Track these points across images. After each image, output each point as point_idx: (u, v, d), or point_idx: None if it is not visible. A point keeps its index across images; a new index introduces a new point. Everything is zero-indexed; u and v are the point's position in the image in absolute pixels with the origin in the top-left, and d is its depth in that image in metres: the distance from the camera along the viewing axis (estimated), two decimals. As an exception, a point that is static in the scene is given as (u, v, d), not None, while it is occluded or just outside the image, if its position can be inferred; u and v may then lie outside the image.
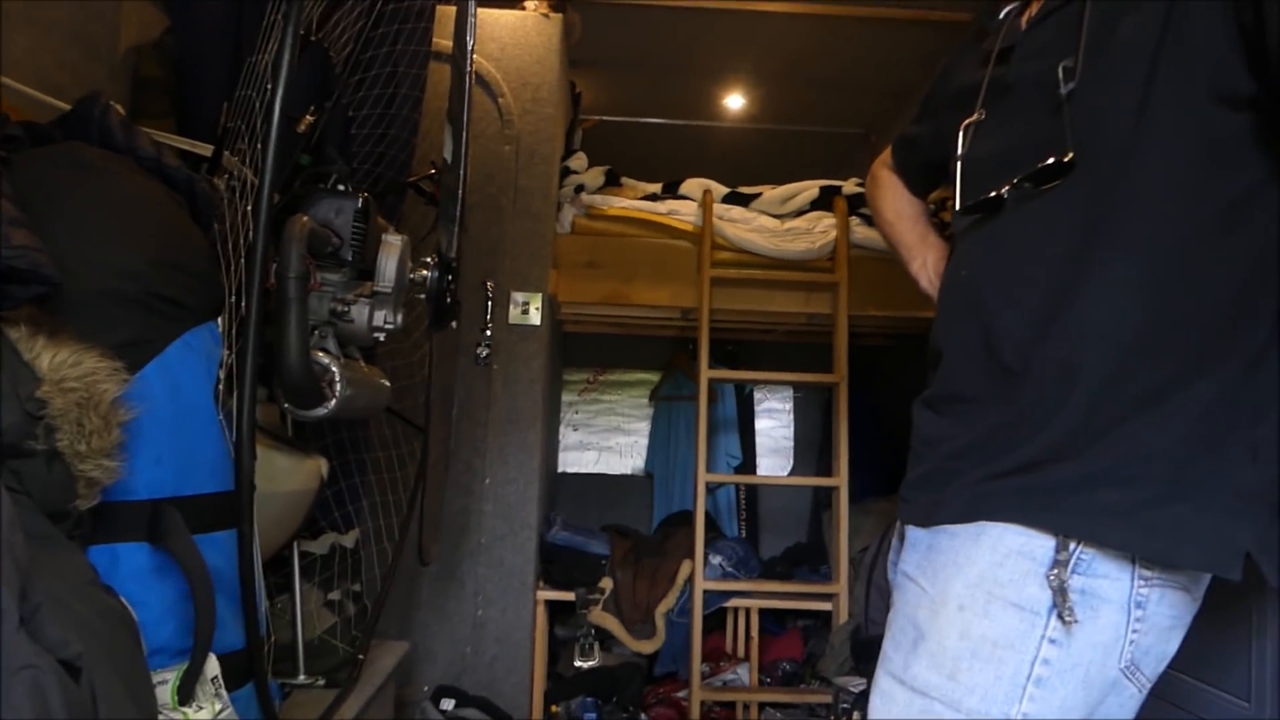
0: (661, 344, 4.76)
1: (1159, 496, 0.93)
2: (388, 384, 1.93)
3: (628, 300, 3.34)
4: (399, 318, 1.75)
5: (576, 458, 5.03)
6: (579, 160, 3.60)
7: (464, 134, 1.57)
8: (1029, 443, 0.99)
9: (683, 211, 3.36)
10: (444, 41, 2.92)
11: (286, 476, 1.69)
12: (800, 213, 3.44)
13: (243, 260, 1.36)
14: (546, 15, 3.33)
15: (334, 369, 1.58)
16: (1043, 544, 0.95)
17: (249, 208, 1.52)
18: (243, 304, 1.23)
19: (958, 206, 1.16)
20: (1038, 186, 1.03)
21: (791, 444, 5.03)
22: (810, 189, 3.46)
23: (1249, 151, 0.94)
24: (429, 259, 1.80)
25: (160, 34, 2.38)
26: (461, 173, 1.62)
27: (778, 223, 3.38)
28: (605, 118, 4.78)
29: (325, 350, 1.64)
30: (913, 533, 1.12)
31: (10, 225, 0.89)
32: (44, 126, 1.28)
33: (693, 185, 3.46)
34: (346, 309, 1.69)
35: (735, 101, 4.92)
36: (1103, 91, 1.00)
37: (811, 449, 4.96)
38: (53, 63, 1.82)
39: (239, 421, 1.07)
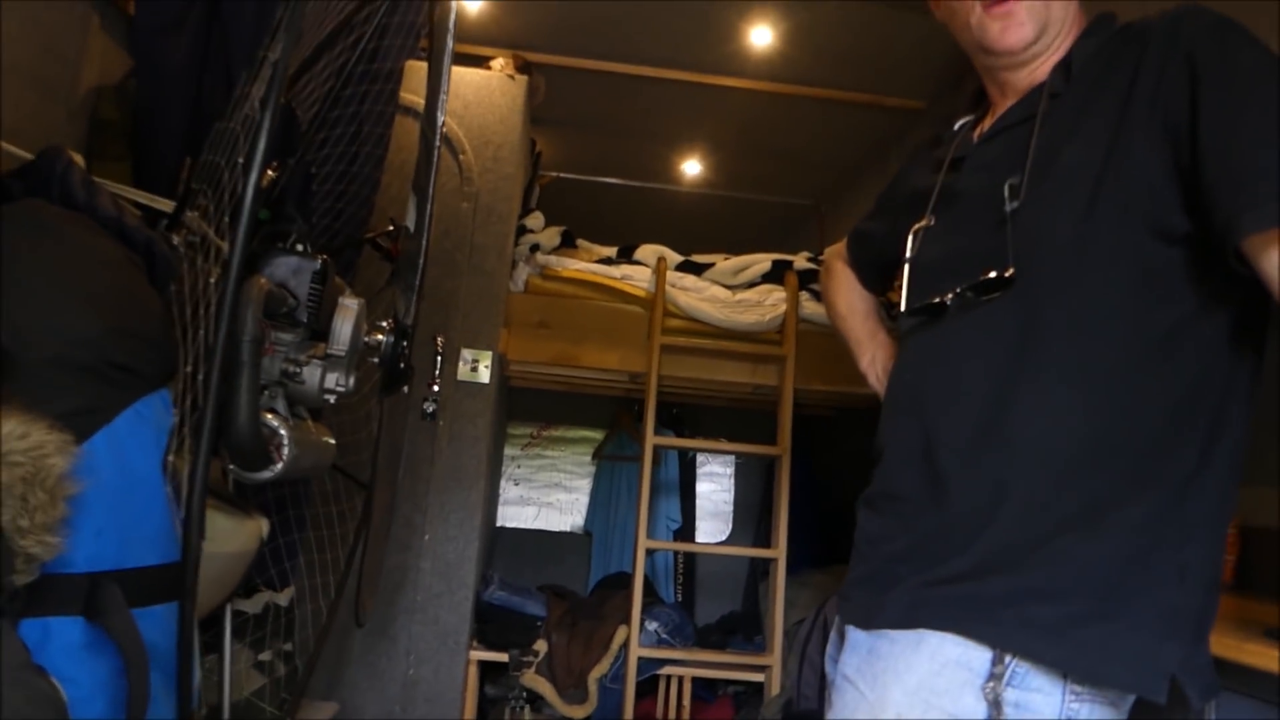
0: (607, 402, 4.76)
1: (1089, 614, 0.96)
2: (333, 442, 1.91)
3: (577, 362, 3.35)
4: (351, 381, 1.74)
5: (516, 512, 4.99)
6: (535, 219, 3.62)
7: (429, 205, 1.58)
8: (963, 553, 1.02)
9: (636, 277, 3.40)
10: (410, 96, 2.97)
11: (227, 538, 1.66)
12: (752, 284, 3.50)
13: (199, 323, 1.35)
14: (512, 76, 3.38)
15: (282, 432, 1.56)
16: (980, 655, 0.97)
17: (208, 266, 1.51)
18: (199, 373, 1.22)
19: (903, 308, 1.21)
20: (979, 296, 1.07)
21: (731, 509, 5.05)
22: (763, 262, 3.52)
23: (1183, 284, 0.99)
24: (384, 323, 1.79)
25: (122, 77, 2.36)
26: (424, 242, 1.63)
27: (729, 293, 3.43)
28: (563, 175, 4.84)
29: (274, 411, 1.62)
30: (853, 634, 1.13)
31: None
32: (3, 179, 1.26)
33: (647, 251, 3.50)
34: (298, 370, 1.68)
35: (692, 167, 5.02)
36: (1044, 214, 1.04)
37: (750, 514, 4.98)
38: (9, 104, 1.80)
39: (190, 497, 1.05)
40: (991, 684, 0.96)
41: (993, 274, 1.05)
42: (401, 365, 1.78)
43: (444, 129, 3.21)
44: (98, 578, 1.02)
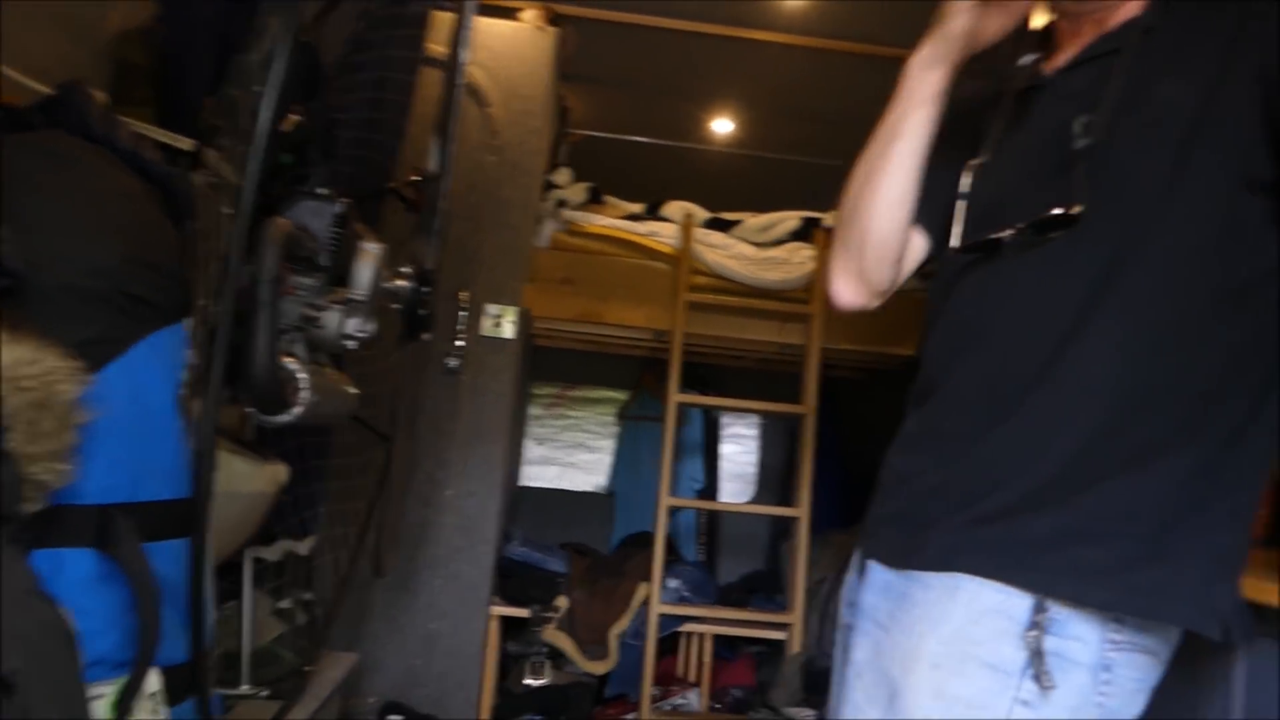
0: (631, 363, 4.74)
1: (1139, 556, 0.94)
2: (354, 391, 1.90)
3: (602, 319, 3.33)
4: (372, 326, 1.72)
5: (539, 472, 5.00)
6: (562, 175, 3.59)
7: (450, 147, 1.55)
8: (1007, 487, 0.98)
9: (663, 234, 3.36)
10: (438, 47, 2.92)
11: (244, 481, 1.66)
12: (779, 242, 3.45)
13: (218, 261, 1.34)
14: (541, 29, 3.33)
15: (300, 376, 1.54)
16: (1020, 603, 0.95)
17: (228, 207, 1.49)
18: (214, 307, 1.21)
19: (956, 244, 1.14)
20: (1041, 235, 1.02)
21: (755, 470, 5.04)
22: (791, 219, 3.47)
23: (1264, 238, 0.96)
24: (406, 269, 1.77)
25: (148, 20, 2.35)
26: (445, 186, 1.60)
27: (756, 250, 3.39)
28: (593, 133, 4.78)
29: (293, 355, 1.61)
30: (879, 573, 1.11)
31: (-24, 215, 0.87)
32: (21, 110, 1.24)
33: (674, 208, 3.46)
34: (318, 315, 1.66)
35: (723, 126, 4.94)
36: (1130, 152, 0.99)
37: (774, 477, 4.97)
38: (37, 44, 1.78)
39: (202, 429, 1.04)
40: (1035, 632, 0.93)
41: (1059, 210, 0.99)
42: (423, 312, 1.76)
43: (471, 81, 3.19)
44: (109, 509, 1.01)
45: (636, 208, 3.52)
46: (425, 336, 1.88)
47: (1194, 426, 0.95)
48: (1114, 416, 0.96)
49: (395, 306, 1.78)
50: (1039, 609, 0.94)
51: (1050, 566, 0.94)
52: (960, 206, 1.14)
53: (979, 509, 0.99)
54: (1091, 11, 1.11)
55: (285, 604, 2.09)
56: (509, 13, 3.50)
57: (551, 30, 3.33)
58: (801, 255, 3.35)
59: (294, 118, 1.94)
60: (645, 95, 4.59)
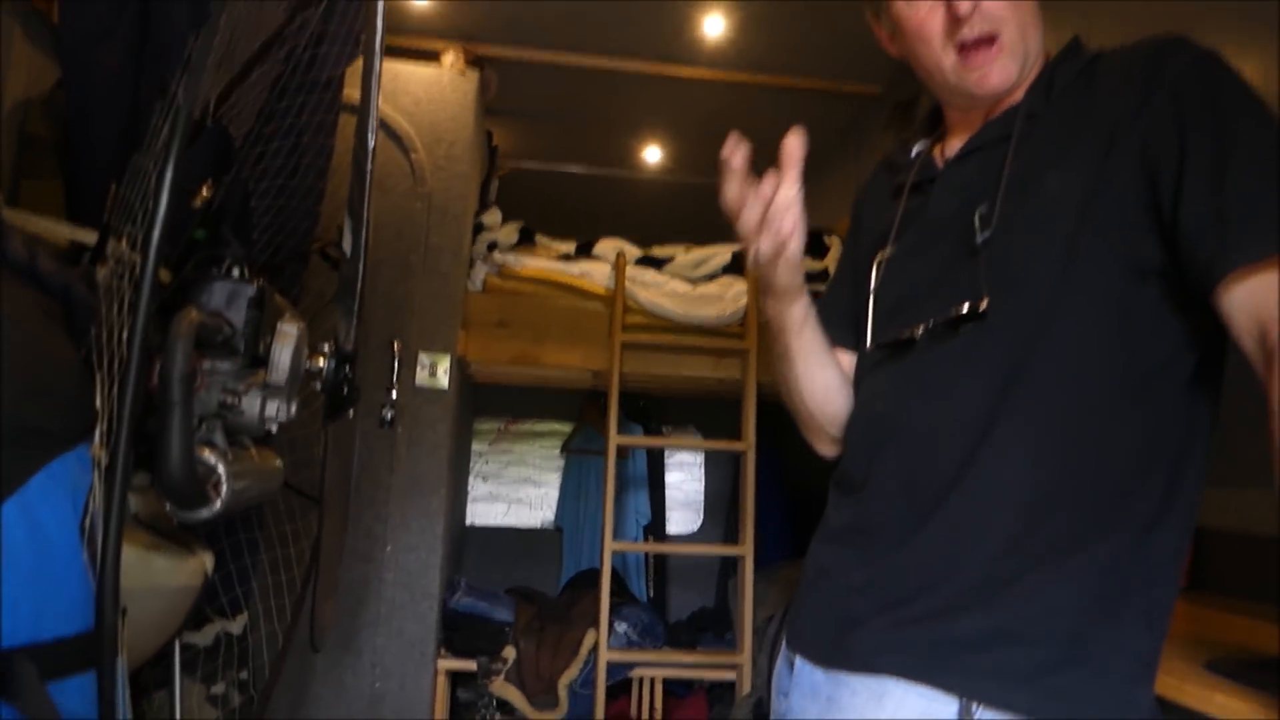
0: (574, 395, 4.72)
1: (1061, 658, 0.94)
2: (279, 465, 1.85)
3: (538, 361, 3.30)
4: (293, 409, 1.68)
5: (485, 509, 4.95)
6: (493, 216, 3.56)
7: (364, 229, 1.53)
8: (932, 591, 0.99)
9: (595, 274, 3.35)
10: (355, 93, 2.88)
11: (167, 576, 1.60)
12: (712, 277, 3.46)
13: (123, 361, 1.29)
14: (463, 72, 3.30)
15: (220, 469, 1.50)
16: (947, 707, 0.94)
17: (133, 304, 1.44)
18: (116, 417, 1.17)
19: (869, 343, 1.16)
20: (951, 330, 1.03)
21: (702, 498, 5.04)
22: (722, 253, 3.48)
23: (1158, 326, 0.96)
24: (327, 347, 1.74)
25: (51, 88, 2.28)
26: (361, 266, 1.57)
27: (690, 287, 3.39)
28: (522, 164, 4.77)
29: (212, 445, 1.57)
30: (806, 671, 1.10)
31: None
32: (-96, 223, 1.19)
33: (606, 247, 3.45)
34: (237, 400, 1.62)
35: (653, 154, 4.96)
36: (1024, 245, 1.00)
37: (721, 502, 4.97)
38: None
39: (103, 564, 1.00)
40: None
41: (966, 307, 1.01)
42: (345, 390, 1.73)
43: (395, 127, 3.15)
44: (10, 655, 0.96)
45: (568, 247, 3.51)
46: (349, 414, 1.84)
47: (1108, 521, 0.96)
48: (1030, 516, 0.96)
49: (316, 386, 1.74)
50: (964, 710, 0.94)
51: (975, 669, 0.94)
52: (870, 303, 1.15)
53: (904, 611, 0.99)
54: (981, 104, 1.13)
55: (219, 689, 2.03)
56: (430, 55, 3.48)
57: (473, 73, 3.31)
58: (735, 290, 3.35)
59: (204, 194, 1.90)
60: (573, 127, 4.59)
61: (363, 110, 1.48)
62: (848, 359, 1.24)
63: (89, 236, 1.55)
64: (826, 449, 1.27)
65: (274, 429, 1.69)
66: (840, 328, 1.25)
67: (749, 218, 1.03)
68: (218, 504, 1.52)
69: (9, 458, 1.00)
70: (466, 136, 3.23)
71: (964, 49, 1.07)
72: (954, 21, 1.06)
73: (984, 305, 0.99)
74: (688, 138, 4.63)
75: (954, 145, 1.17)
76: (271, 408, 1.66)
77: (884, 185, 1.28)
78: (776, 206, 1.01)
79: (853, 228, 1.35)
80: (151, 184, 1.19)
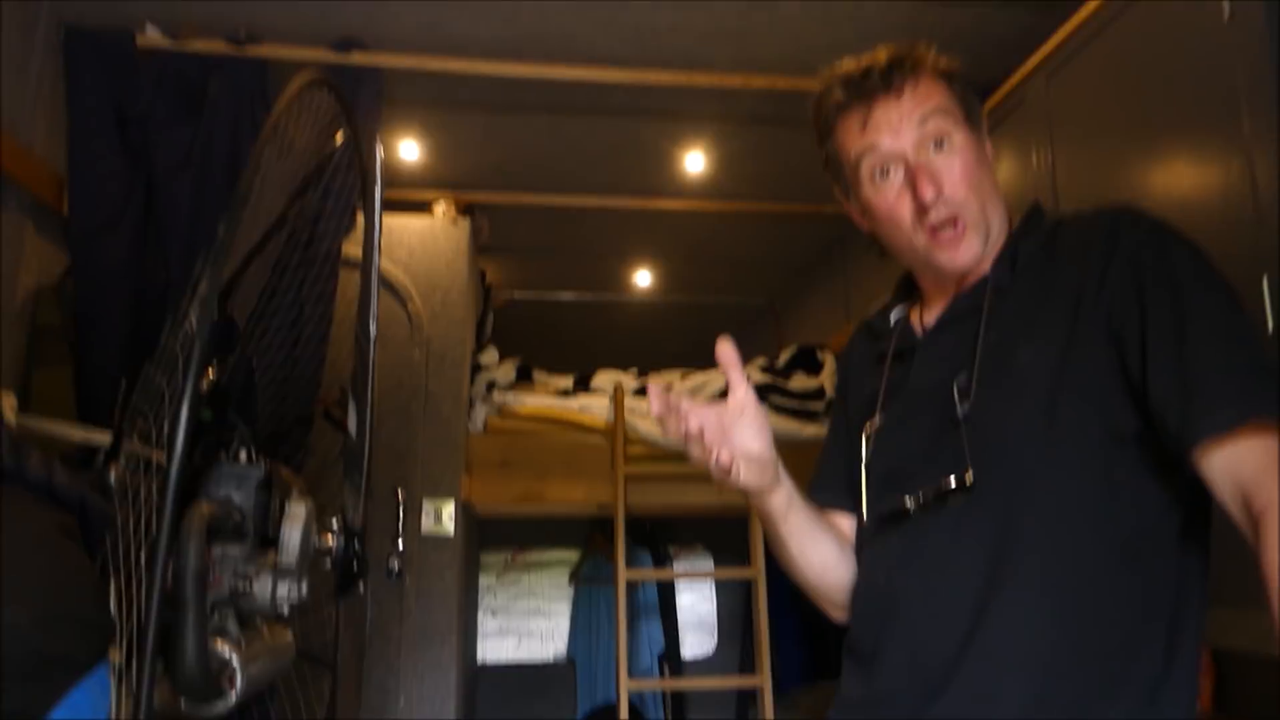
0: (580, 523, 4.71)
1: None
2: (291, 639, 1.86)
3: (542, 499, 3.32)
4: (304, 589, 1.70)
5: (496, 645, 4.88)
6: (490, 355, 3.62)
7: (369, 410, 1.57)
8: None
9: (594, 407, 3.39)
10: (354, 250, 2.97)
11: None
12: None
13: (133, 568, 1.32)
14: (455, 220, 3.41)
15: (234, 662, 1.51)
16: None
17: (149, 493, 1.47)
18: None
19: (864, 516, 1.19)
20: (940, 503, 1.06)
21: (715, 618, 4.97)
22: (718, 379, 3.53)
23: (1141, 486, 1.00)
24: (335, 522, 1.76)
25: (60, 275, 2.36)
26: (367, 445, 1.61)
27: (689, 415, 3.42)
28: (516, 294, 4.87)
29: (225, 634, 1.58)
30: None
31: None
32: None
33: (604, 379, 3.50)
34: (249, 585, 1.64)
35: (644, 278, 5.07)
36: (1003, 417, 1.04)
37: (736, 622, 4.90)
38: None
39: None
40: None
41: (953, 482, 1.04)
42: (354, 566, 1.75)
43: (390, 279, 3.24)
44: None
45: (566, 382, 3.56)
46: (360, 589, 1.85)
47: (1116, 682, 0.97)
48: (1038, 685, 0.98)
49: (326, 565, 1.76)
50: None
51: None
52: (863, 475, 1.19)
53: None
54: (951, 277, 1.19)
55: None
56: (422, 205, 3.60)
57: (464, 220, 3.41)
58: (732, 414, 3.38)
59: (210, 375, 1.95)
60: (564, 258, 4.71)
61: (363, 301, 1.54)
62: (847, 523, 1.26)
63: (101, 436, 1.59)
64: (836, 615, 1.28)
65: (285, 610, 1.71)
66: (837, 493, 1.27)
67: (692, 452, 1.04)
68: (233, 696, 1.53)
69: (30, 692, 1.02)
70: (461, 282, 3.32)
71: (933, 231, 1.13)
72: (921, 207, 1.12)
73: (969, 478, 1.03)
74: (678, 261, 4.75)
75: (930, 313, 1.23)
76: (283, 589, 1.68)
77: (866, 351, 1.33)
78: (711, 430, 1.02)
79: (840, 393, 1.39)
80: (167, 408, 1.24)
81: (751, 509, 3.21)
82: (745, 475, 1.04)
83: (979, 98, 1.22)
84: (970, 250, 1.13)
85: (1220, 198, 1.61)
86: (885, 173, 1.14)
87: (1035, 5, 2.58)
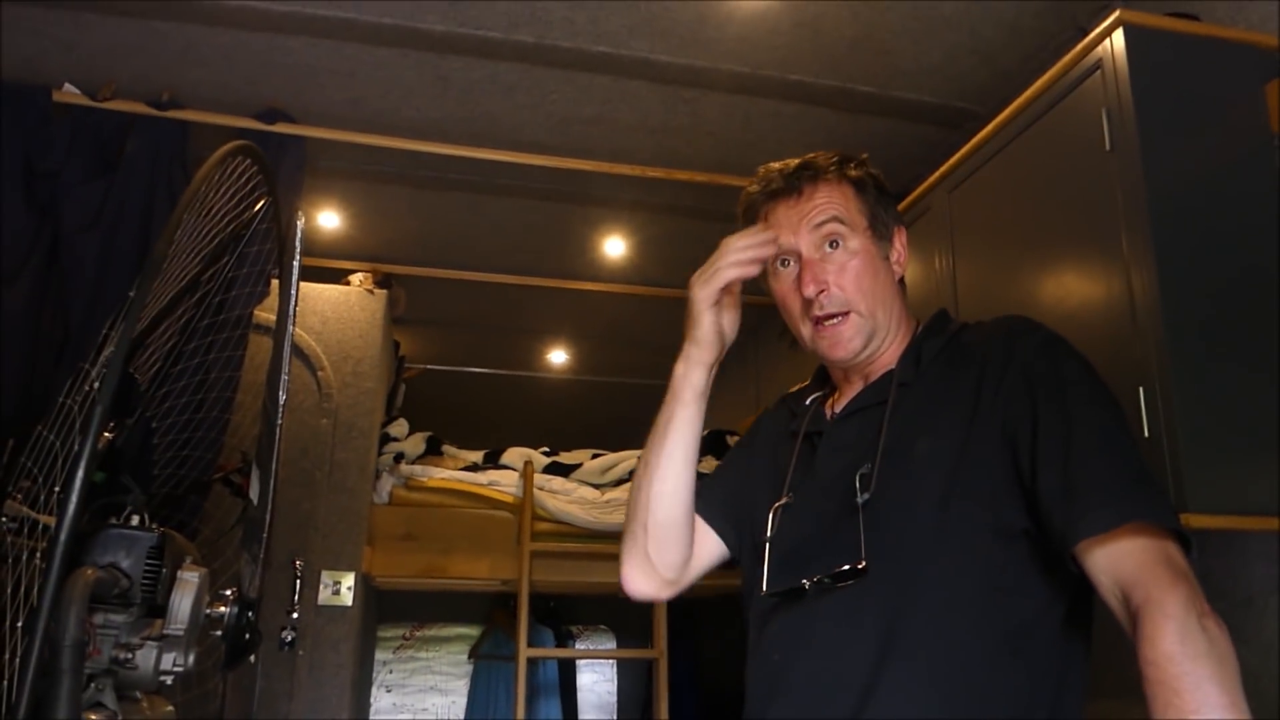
0: (481, 598, 4.65)
1: None
2: (171, 710, 1.80)
3: (445, 574, 3.27)
4: (191, 659, 1.65)
5: (390, 724, 4.74)
6: (400, 426, 3.60)
7: (272, 480, 1.56)
8: None
9: (503, 482, 3.39)
10: (267, 315, 2.95)
11: None
12: (620, 482, 3.53)
13: (7, 635, 1.28)
14: (371, 291, 3.41)
15: (109, 735, 1.46)
16: None
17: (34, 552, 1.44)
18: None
19: (764, 589, 1.22)
20: (835, 584, 1.11)
21: (615, 699, 4.92)
22: (629, 459, 3.56)
23: (1026, 581, 1.06)
24: (228, 593, 1.73)
25: (-48, 327, 2.29)
26: (268, 515, 1.59)
27: (598, 493, 3.45)
28: (430, 367, 4.84)
29: (100, 706, 1.52)
30: None
31: None
32: None
33: (514, 455, 3.51)
34: (131, 656, 1.59)
35: (558, 356, 5.10)
36: (898, 507, 1.11)
37: (636, 704, 4.87)
38: None
39: None
40: None
41: (846, 566, 1.09)
42: (247, 636, 1.71)
43: (302, 346, 3.21)
44: None
45: (476, 456, 3.55)
46: (251, 659, 1.81)
47: None
48: None
49: (216, 634, 1.72)
50: None
51: None
52: (766, 549, 1.24)
53: None
54: (863, 366, 1.26)
55: None
56: (338, 275, 3.59)
57: (381, 292, 3.41)
58: (640, 494, 3.41)
59: (107, 436, 1.91)
60: (480, 334, 4.72)
61: (274, 368, 1.54)
62: (701, 527, 1.35)
63: (-14, 495, 1.55)
64: (643, 574, 1.32)
65: (169, 681, 1.66)
66: (708, 503, 1.36)
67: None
68: (105, 772, 1.47)
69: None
70: (374, 354, 3.30)
71: (817, 322, 1.22)
72: (805, 301, 1.21)
73: (862, 565, 1.08)
74: (592, 341, 4.80)
75: (840, 401, 1.30)
76: (168, 660, 1.63)
77: (782, 423, 1.39)
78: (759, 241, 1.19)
79: (749, 438, 1.46)
80: (59, 469, 1.22)
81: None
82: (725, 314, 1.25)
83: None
84: (849, 346, 1.22)
85: (1103, 310, 1.71)
86: (786, 263, 1.25)
87: (940, 123, 2.76)
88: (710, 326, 1.24)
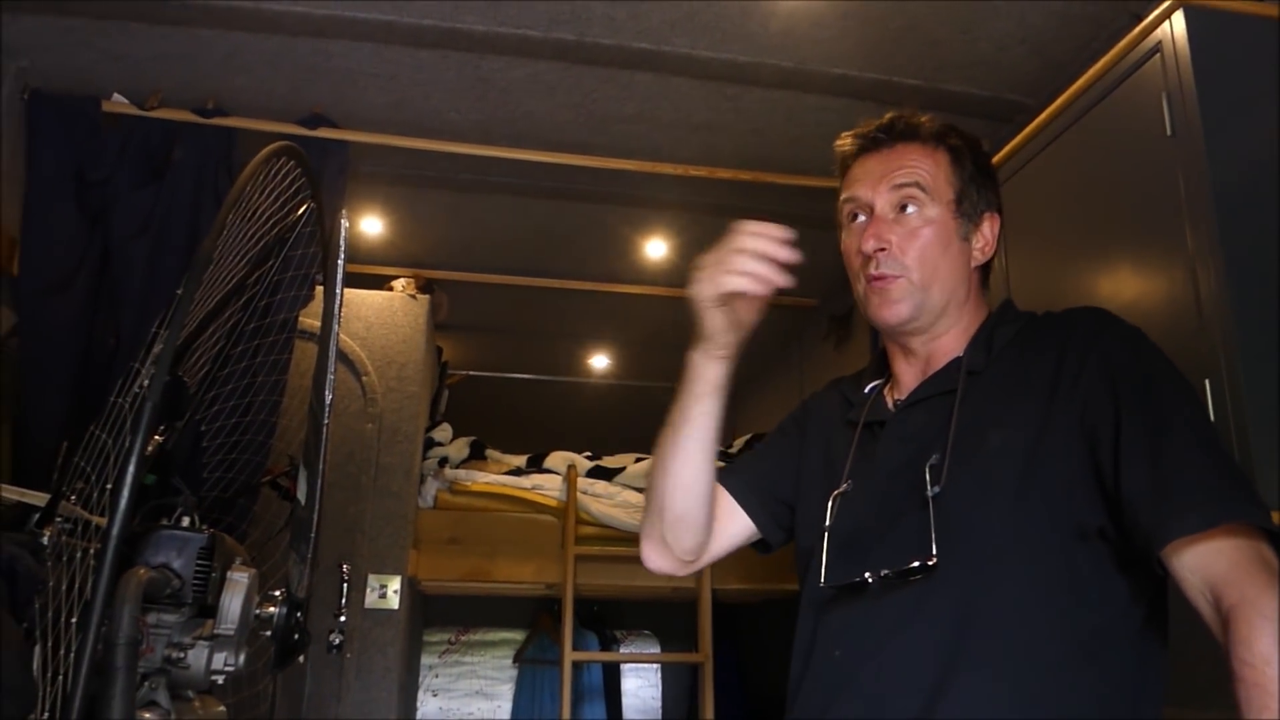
0: (526, 603, 4.64)
1: None
2: (224, 712, 1.80)
3: (490, 577, 3.28)
4: (241, 659, 1.65)
5: (436, 728, 4.74)
6: (444, 431, 3.61)
7: (319, 480, 1.56)
8: None
9: (547, 486, 3.38)
10: (312, 322, 2.97)
11: None
12: (663, 485, 3.50)
13: (62, 632, 1.28)
14: (414, 296, 3.42)
15: (162, 735, 1.46)
16: None
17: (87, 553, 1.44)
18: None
19: (822, 581, 1.18)
20: (903, 580, 1.07)
21: (659, 704, 4.89)
22: (671, 462, 3.53)
23: (1104, 583, 1.02)
24: (277, 593, 1.73)
25: (4, 334, 2.33)
26: (316, 515, 1.59)
27: (641, 497, 3.42)
28: (472, 373, 4.86)
29: (154, 705, 1.53)
30: None
31: None
32: None
33: (557, 459, 3.50)
34: (183, 655, 1.59)
35: (600, 361, 5.09)
36: (971, 501, 1.06)
37: (680, 708, 4.83)
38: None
39: None
40: None
41: (916, 562, 1.05)
42: (296, 637, 1.71)
43: (346, 351, 3.23)
44: None
45: (519, 460, 3.55)
46: (300, 659, 1.81)
47: None
48: None
49: (266, 634, 1.72)
50: None
51: None
52: (825, 538, 1.19)
53: None
54: (910, 342, 1.22)
55: None
56: (381, 280, 3.61)
57: (424, 297, 3.43)
58: (684, 497, 3.39)
59: (157, 439, 1.93)
60: (522, 339, 4.72)
61: (320, 371, 1.54)
62: (726, 500, 1.31)
63: (35, 497, 1.56)
64: (659, 552, 1.30)
65: (220, 681, 1.66)
66: (743, 482, 1.33)
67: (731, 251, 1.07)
68: (159, 772, 1.48)
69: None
70: (418, 358, 3.32)
71: (871, 280, 1.19)
72: (865, 256, 1.18)
73: (933, 561, 1.04)
74: (634, 346, 4.78)
75: (900, 392, 1.25)
76: (219, 660, 1.64)
77: (836, 408, 1.35)
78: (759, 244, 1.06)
79: (798, 421, 1.40)
80: (111, 468, 1.22)
81: (701, 594, 3.19)
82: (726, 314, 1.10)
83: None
84: (896, 310, 1.18)
85: (1165, 301, 1.66)
86: (855, 217, 1.22)
87: (990, 116, 2.70)
88: (716, 324, 1.13)
